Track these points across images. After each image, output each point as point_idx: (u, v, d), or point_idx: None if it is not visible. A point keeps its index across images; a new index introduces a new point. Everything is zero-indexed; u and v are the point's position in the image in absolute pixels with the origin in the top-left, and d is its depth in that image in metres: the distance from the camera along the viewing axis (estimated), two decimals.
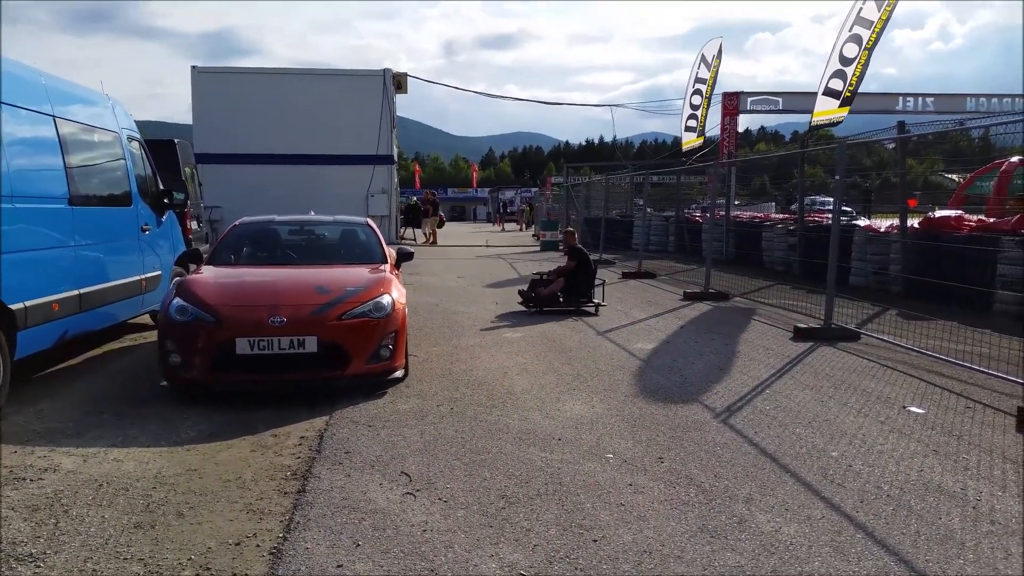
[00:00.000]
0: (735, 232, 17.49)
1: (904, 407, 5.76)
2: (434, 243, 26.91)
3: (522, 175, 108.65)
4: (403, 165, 56.03)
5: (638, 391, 6.32)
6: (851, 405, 5.82)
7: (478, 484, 4.21)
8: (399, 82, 27.68)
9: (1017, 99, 29.43)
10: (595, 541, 3.51)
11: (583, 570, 3.25)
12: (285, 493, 4.10)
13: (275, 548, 3.45)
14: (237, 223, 8.25)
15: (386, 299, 6.33)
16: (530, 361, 7.43)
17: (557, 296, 10.48)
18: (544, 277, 10.97)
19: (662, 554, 3.39)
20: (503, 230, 42.21)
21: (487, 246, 26.77)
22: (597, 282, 11.01)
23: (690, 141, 18.83)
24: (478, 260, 20.64)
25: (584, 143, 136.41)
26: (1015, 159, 21.04)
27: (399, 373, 6.43)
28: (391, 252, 7.91)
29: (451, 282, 14.62)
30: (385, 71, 26.84)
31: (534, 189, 61.83)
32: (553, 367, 7.18)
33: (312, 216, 8.86)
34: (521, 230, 41.92)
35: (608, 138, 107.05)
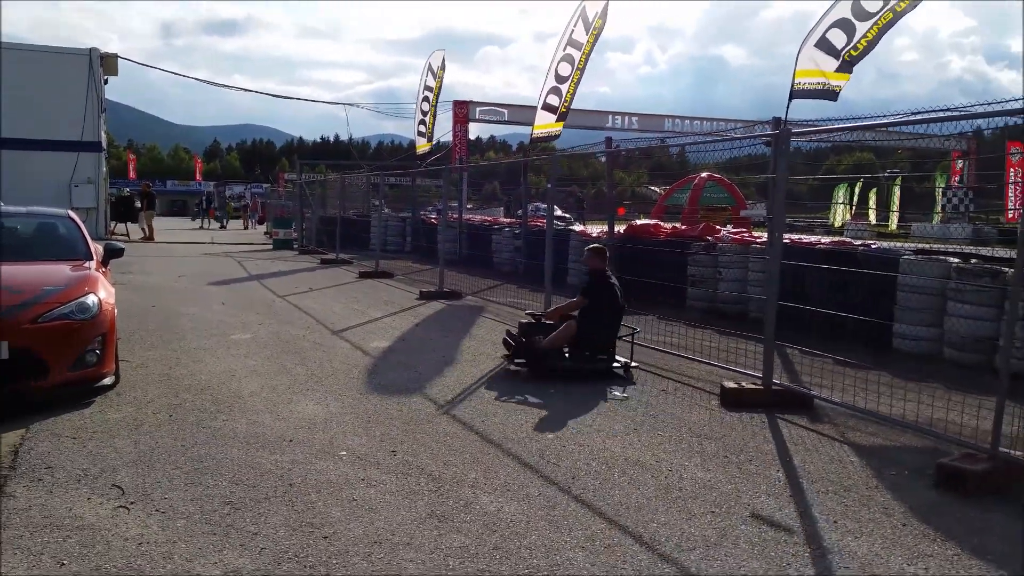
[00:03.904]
0: (468, 234, 18.20)
1: (611, 391, 6.41)
2: (151, 239, 24.80)
3: (252, 170, 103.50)
4: (115, 154, 50.78)
5: (373, 388, 6.37)
6: (566, 391, 6.36)
7: (200, 492, 4.00)
8: (108, 64, 25.08)
9: (706, 122, 33.85)
10: (325, 538, 3.51)
11: (312, 567, 3.24)
12: None
13: None
14: None
15: (91, 299, 5.77)
16: (260, 363, 7.16)
17: (563, 350, 7.09)
18: (542, 320, 7.53)
19: (392, 543, 3.48)
20: (202, 227, 37.57)
21: (213, 243, 25.21)
22: (626, 331, 7.38)
23: (422, 146, 19.27)
24: (204, 258, 19.36)
25: (319, 140, 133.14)
26: (704, 175, 24.28)
27: (108, 380, 5.89)
28: (97, 248, 7.20)
29: (171, 281, 13.58)
30: (91, 51, 24.23)
31: (265, 185, 59.29)
32: (285, 368, 6.99)
33: (1, 207, 7.79)
34: (248, 228, 39.10)
35: (344, 136, 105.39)
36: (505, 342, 7.37)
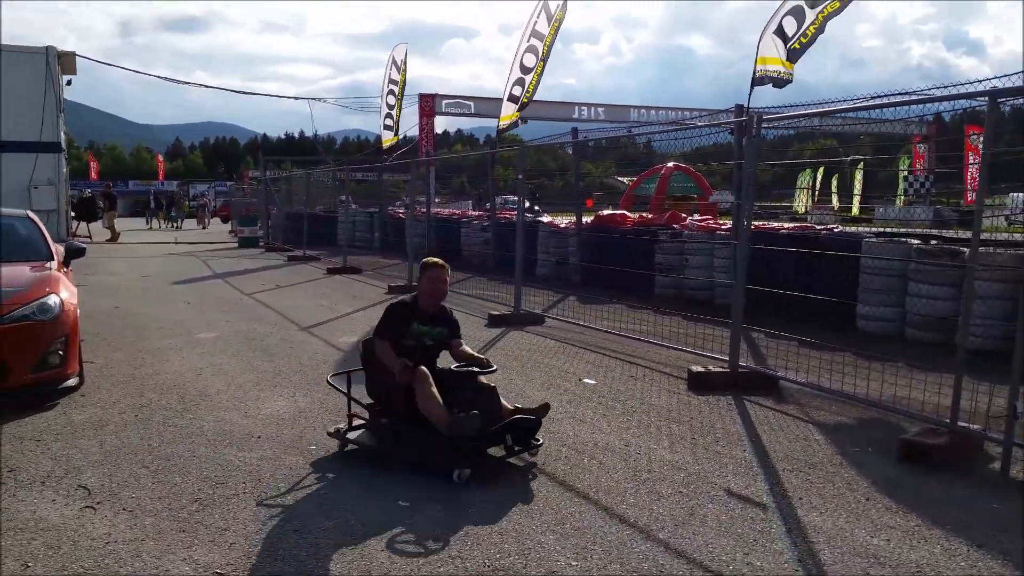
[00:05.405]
0: (436, 228, 18.14)
1: (580, 379, 6.45)
2: (114, 240, 24.42)
3: (216, 168, 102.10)
4: (75, 155, 49.79)
5: None
6: (536, 380, 6.40)
7: (168, 490, 3.96)
8: (66, 62, 24.52)
9: (672, 111, 34.01)
10: (296, 531, 3.50)
11: (283, 560, 3.22)
12: None
13: None
14: None
15: (52, 299, 5.67)
16: (226, 361, 7.09)
17: None
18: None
19: (364, 534, 3.48)
20: (151, 228, 36.14)
21: (176, 243, 24.87)
22: None
23: (388, 140, 19.15)
24: (167, 258, 19.10)
25: (284, 136, 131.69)
26: (671, 164, 24.42)
27: (72, 381, 5.80)
28: (58, 248, 7.08)
29: (134, 281, 13.38)
30: (48, 49, 23.65)
31: (230, 183, 58.54)
32: (252, 365, 6.92)
33: None
34: (204, 227, 37.77)
35: (308, 132, 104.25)
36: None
